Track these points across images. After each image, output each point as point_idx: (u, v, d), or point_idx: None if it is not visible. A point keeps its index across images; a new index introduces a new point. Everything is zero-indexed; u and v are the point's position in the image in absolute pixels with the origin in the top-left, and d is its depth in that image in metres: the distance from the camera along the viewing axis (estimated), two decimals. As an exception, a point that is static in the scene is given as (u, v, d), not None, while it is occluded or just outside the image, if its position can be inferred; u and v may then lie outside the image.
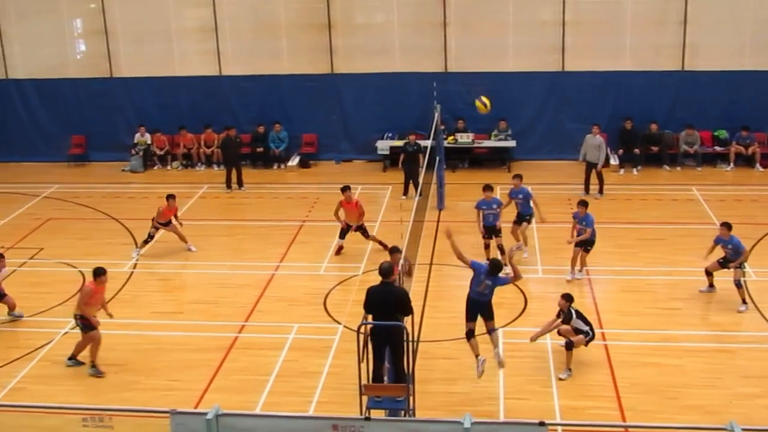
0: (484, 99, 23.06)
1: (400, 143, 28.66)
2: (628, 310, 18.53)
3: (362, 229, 21.87)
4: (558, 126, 29.18)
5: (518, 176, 21.46)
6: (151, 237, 22.07)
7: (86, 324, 16.53)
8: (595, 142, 25.42)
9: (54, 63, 30.79)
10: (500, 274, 15.23)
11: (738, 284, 18.40)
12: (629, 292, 19.56)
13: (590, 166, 25.53)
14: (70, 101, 30.75)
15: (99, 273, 16.74)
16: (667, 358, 16.48)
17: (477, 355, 15.43)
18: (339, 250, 21.90)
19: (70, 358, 16.74)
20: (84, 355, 16.67)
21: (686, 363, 16.29)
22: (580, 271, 19.96)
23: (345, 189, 21.77)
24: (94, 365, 16.53)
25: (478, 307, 15.42)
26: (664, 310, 18.37)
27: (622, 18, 28.42)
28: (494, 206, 20.64)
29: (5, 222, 24.84)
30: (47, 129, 31.00)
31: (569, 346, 15.89)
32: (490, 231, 20.69)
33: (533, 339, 16.49)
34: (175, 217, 22.44)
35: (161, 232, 22.26)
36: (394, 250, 16.95)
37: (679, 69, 28.31)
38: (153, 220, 22.17)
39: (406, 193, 25.47)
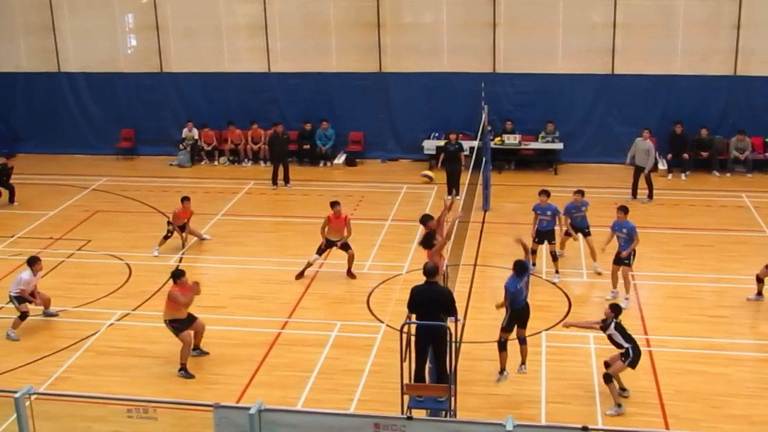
0: (427, 173, 23.66)
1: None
2: (674, 317, 18.35)
3: (346, 246, 20.52)
4: (606, 129, 28.93)
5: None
6: (170, 233, 22.22)
7: (177, 327, 16.49)
8: (644, 146, 25.14)
9: (105, 57, 31.13)
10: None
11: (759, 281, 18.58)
12: (675, 299, 19.35)
13: (638, 170, 25.29)
14: (121, 95, 31.08)
15: (178, 275, 16.77)
16: (712, 367, 16.29)
17: (504, 369, 15.69)
18: (305, 269, 20.49)
19: (180, 370, 16.41)
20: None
21: (732, 372, 16.09)
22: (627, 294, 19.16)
23: (334, 204, 20.47)
24: (183, 367, 16.37)
25: (524, 314, 15.57)
26: (711, 318, 18.17)
27: (674, 21, 28.11)
28: (548, 213, 20.48)
29: (55, 213, 25.15)
30: (97, 122, 31.37)
31: (607, 379, 15.17)
32: (542, 236, 20.51)
33: (566, 325, 16.42)
34: (187, 221, 22.44)
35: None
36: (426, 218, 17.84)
37: (732, 74, 27.94)
38: (168, 222, 22.27)
39: (450, 192, 25.42)
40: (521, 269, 15.59)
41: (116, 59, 31.21)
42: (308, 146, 29.52)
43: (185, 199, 22.37)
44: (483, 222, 23.50)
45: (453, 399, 12.77)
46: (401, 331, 12.45)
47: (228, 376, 16.19)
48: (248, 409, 10.24)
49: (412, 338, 13.10)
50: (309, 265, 20.43)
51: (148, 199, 26.15)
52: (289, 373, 16.29)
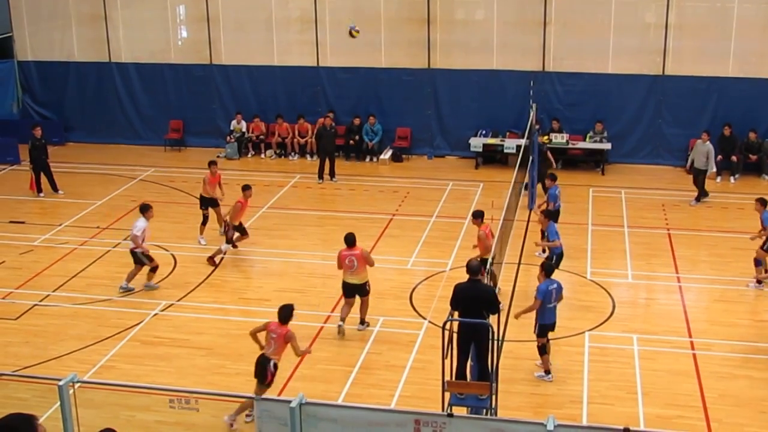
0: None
1: (494, 141, 28.61)
2: (720, 320, 18.16)
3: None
4: (656, 130, 28.68)
5: (552, 176, 21.95)
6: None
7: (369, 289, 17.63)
8: (704, 149, 24.88)
9: (156, 48, 31.41)
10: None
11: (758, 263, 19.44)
12: (722, 302, 19.15)
13: (698, 173, 25.02)
14: (170, 86, 31.36)
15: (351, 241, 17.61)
16: (758, 371, 16.11)
17: (548, 371, 15.84)
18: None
19: (361, 322, 17.73)
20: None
21: (778, 377, 15.92)
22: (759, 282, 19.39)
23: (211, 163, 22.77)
24: (363, 321, 17.67)
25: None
26: (758, 322, 17.97)
27: (727, 23, 27.75)
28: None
29: (103, 202, 25.42)
30: (147, 113, 31.68)
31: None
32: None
33: None
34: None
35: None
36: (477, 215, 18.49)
37: (785, 77, 27.61)
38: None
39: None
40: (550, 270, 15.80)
41: (167, 50, 31.47)
42: (354, 141, 29.57)
43: (212, 163, 22.95)
44: (528, 221, 23.39)
45: (494, 397, 12.74)
46: (443, 328, 12.44)
47: (270, 368, 16.25)
48: (289, 402, 10.29)
49: (455, 335, 13.09)
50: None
51: (195, 191, 26.20)
52: (331, 367, 16.35)
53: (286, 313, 14.47)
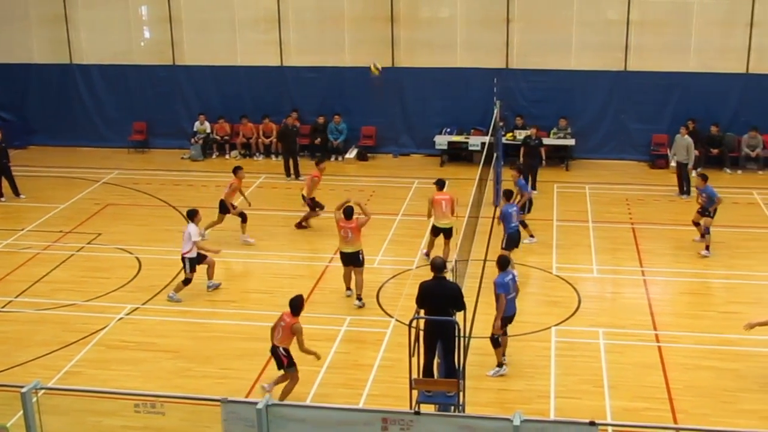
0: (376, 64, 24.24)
1: (459, 138, 28.67)
2: (685, 313, 18.33)
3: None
4: (620, 126, 28.89)
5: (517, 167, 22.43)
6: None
7: (363, 259, 18.64)
8: (684, 142, 25.16)
9: (119, 49, 31.17)
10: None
11: (707, 231, 20.74)
12: (686, 295, 19.35)
13: (681, 167, 25.25)
14: (134, 88, 31.15)
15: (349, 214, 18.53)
16: (722, 362, 16.26)
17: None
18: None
19: (358, 299, 18.65)
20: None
21: (743, 367, 16.04)
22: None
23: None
24: (359, 297, 18.63)
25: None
26: (722, 314, 18.12)
27: (688, 19, 28.00)
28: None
29: (66, 206, 25.20)
30: (110, 115, 31.43)
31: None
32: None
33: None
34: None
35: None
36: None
37: (744, 71, 27.84)
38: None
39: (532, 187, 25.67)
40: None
41: (129, 51, 31.26)
42: (320, 140, 29.52)
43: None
44: (494, 217, 23.41)
45: (462, 394, 12.75)
46: (410, 326, 12.45)
47: (238, 370, 16.20)
48: (256, 403, 10.25)
49: (421, 333, 13.09)
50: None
51: (159, 193, 26.20)
52: (299, 367, 16.22)
53: (295, 303, 15.22)
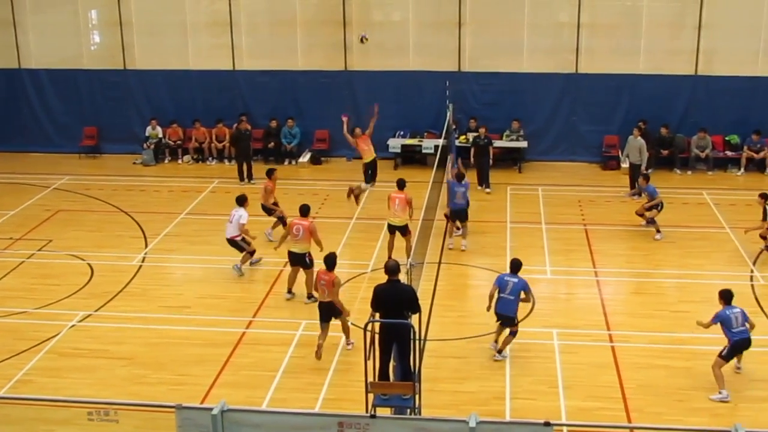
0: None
1: (412, 141, 28.72)
2: (637, 312, 18.52)
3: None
4: (571, 128, 29.11)
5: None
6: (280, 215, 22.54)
7: (312, 260, 18.60)
8: (636, 143, 25.41)
9: (68, 54, 30.81)
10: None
11: (651, 221, 22.22)
12: (638, 294, 19.55)
13: (633, 168, 25.48)
14: (84, 93, 30.78)
15: (306, 211, 19.01)
16: (675, 361, 16.46)
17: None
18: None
19: (309, 297, 18.88)
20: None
21: (695, 366, 16.24)
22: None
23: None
24: (311, 296, 18.70)
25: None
26: (674, 313, 18.33)
27: (637, 21, 28.30)
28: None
29: (15, 212, 24.88)
30: (60, 120, 31.05)
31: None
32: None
33: None
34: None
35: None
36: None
37: (693, 73, 28.20)
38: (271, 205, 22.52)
39: (481, 183, 25.70)
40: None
41: (79, 56, 30.90)
42: (273, 144, 29.43)
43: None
44: (448, 220, 23.52)
45: (418, 396, 12.79)
46: (365, 329, 12.46)
47: (193, 376, 16.10)
48: (211, 409, 10.19)
49: (377, 336, 13.11)
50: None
51: (111, 199, 25.95)
52: (255, 372, 16.25)
53: (331, 260, 16.59)
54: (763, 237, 21.05)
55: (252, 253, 20.57)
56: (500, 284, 16.42)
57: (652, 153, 27.40)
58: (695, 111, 28.36)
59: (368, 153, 24.19)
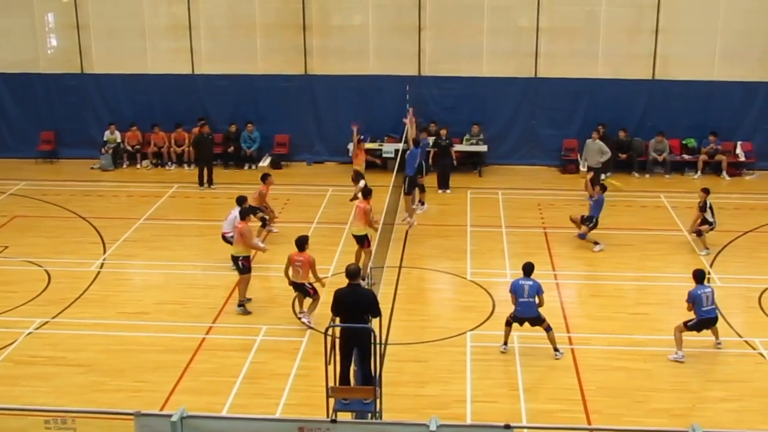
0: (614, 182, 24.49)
1: (373, 146, 28.72)
2: (597, 315, 18.63)
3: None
4: (531, 131, 29.29)
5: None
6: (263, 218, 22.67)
7: (246, 266, 18.48)
8: (594, 146, 25.56)
9: (25, 57, 30.49)
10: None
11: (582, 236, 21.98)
12: (597, 297, 19.66)
13: (592, 171, 25.60)
14: (40, 97, 30.46)
15: (246, 213, 19.06)
16: (634, 363, 16.58)
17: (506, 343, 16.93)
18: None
19: (239, 305, 18.56)
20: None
21: (653, 367, 16.39)
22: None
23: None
24: (242, 304, 18.50)
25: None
26: (632, 315, 18.48)
27: (596, 26, 28.56)
28: None
29: (-28, 218, 24.61)
30: (16, 124, 30.68)
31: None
32: None
33: None
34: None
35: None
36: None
37: (651, 78, 28.49)
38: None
39: (442, 187, 25.77)
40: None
41: (35, 60, 30.58)
42: (233, 149, 29.31)
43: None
44: (405, 220, 23.58)
45: (379, 401, 12.78)
46: (326, 334, 12.44)
47: (152, 383, 15.97)
48: (170, 416, 10.13)
49: (337, 341, 13.08)
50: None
51: (69, 204, 25.69)
52: (215, 378, 16.15)
53: (302, 241, 17.60)
54: (696, 232, 21.68)
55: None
56: (516, 289, 16.67)
57: (610, 156, 27.59)
58: (653, 115, 28.66)
59: (362, 162, 24.52)
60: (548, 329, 16.70)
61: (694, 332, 16.66)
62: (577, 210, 24.09)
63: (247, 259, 18.59)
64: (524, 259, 20.76)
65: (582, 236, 21.97)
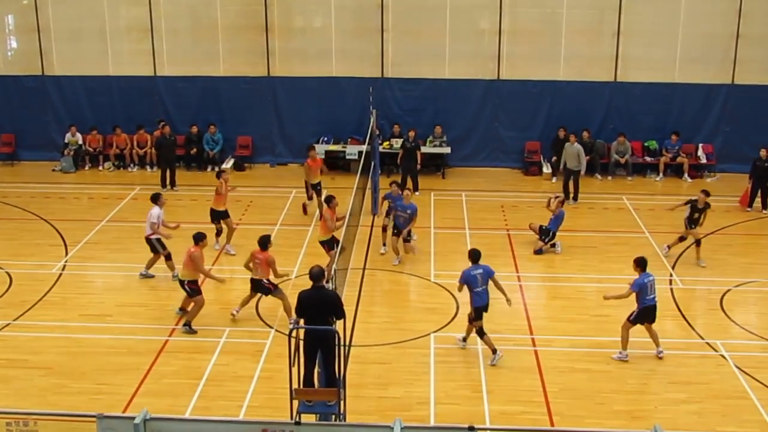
0: None
1: (336, 147, 28.72)
2: (559, 317, 18.74)
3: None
4: (493, 133, 29.43)
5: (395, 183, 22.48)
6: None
7: (194, 289, 17.84)
8: (573, 150, 25.64)
9: (-16, 60, 30.28)
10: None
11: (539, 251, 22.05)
12: (560, 299, 19.78)
13: (569, 174, 25.76)
14: (0, 99, 30.16)
15: (200, 238, 18.19)
16: (596, 364, 16.68)
17: (495, 349, 16.69)
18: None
19: (185, 324, 17.89)
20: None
21: (614, 369, 16.51)
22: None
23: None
24: (188, 324, 17.80)
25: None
26: (594, 317, 18.60)
27: (557, 28, 28.73)
28: (407, 211, 21.16)
29: (-70, 221, 24.31)
30: (-25, 127, 30.43)
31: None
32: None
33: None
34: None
35: None
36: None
37: (612, 80, 28.72)
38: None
39: (403, 189, 25.65)
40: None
41: (-5, 62, 30.40)
42: (195, 151, 29.19)
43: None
44: (372, 226, 23.61)
45: (342, 403, 12.78)
46: (290, 336, 12.41)
47: (114, 385, 15.86)
48: (133, 418, 10.07)
49: (301, 343, 13.06)
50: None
51: (30, 206, 25.45)
52: (178, 380, 16.07)
53: (264, 240, 17.94)
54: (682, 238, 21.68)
55: (168, 257, 20.26)
56: (470, 280, 16.62)
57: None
58: (614, 117, 28.92)
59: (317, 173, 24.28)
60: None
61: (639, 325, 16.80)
62: (538, 213, 24.24)
63: (194, 283, 17.89)
64: (487, 261, 20.79)
65: (539, 251, 21.99)
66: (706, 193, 21.38)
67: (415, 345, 17.26)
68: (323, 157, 28.54)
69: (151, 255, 20.35)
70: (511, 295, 19.35)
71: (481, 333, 16.67)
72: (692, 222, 21.38)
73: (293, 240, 22.64)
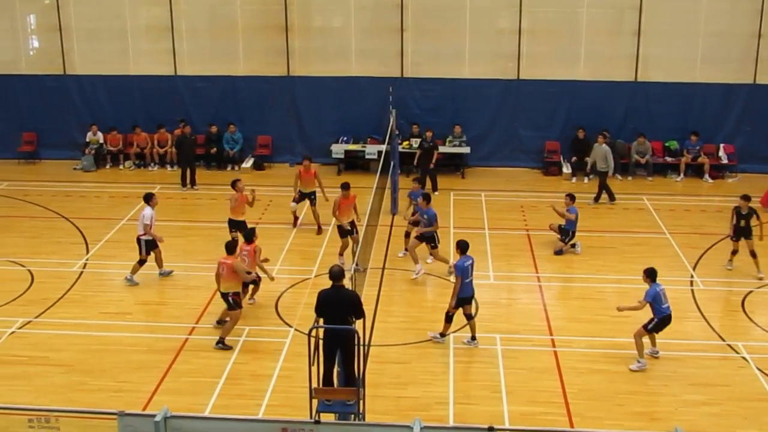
0: None
1: (355, 147, 28.75)
2: (578, 317, 18.68)
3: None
4: (512, 133, 29.38)
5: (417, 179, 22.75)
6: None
7: (237, 301, 17.29)
8: (601, 151, 25.61)
9: (6, 59, 30.41)
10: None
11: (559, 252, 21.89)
12: (579, 300, 19.71)
13: (601, 175, 25.80)
14: (22, 98, 30.36)
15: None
16: (615, 365, 16.62)
17: (445, 334, 17.25)
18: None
19: (218, 342, 17.20)
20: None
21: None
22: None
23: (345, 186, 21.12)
24: (222, 341, 17.15)
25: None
26: (613, 318, 18.49)
27: (577, 28, 28.67)
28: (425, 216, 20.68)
29: (-47, 219, 24.47)
30: (-3, 126, 30.61)
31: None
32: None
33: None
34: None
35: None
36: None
37: (632, 80, 28.61)
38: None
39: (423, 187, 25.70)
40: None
41: (17, 61, 30.51)
42: (215, 150, 29.28)
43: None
44: (391, 225, 23.62)
45: (361, 402, 12.79)
46: (309, 335, 12.44)
47: (134, 383, 15.92)
48: (154, 416, 10.11)
49: (321, 342, 13.08)
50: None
51: (51, 204, 25.61)
52: (197, 379, 16.12)
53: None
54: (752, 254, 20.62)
55: (141, 263, 20.14)
56: (465, 271, 16.90)
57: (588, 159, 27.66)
58: (634, 117, 28.80)
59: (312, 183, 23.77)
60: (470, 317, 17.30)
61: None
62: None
63: (237, 295, 17.34)
64: (507, 262, 20.94)
65: (559, 252, 21.92)
66: (747, 198, 20.55)
67: (434, 345, 17.25)
68: (342, 156, 28.69)
69: (155, 254, 20.40)
70: (531, 295, 19.46)
71: (449, 318, 17.07)
72: (739, 231, 20.57)
73: (313, 239, 22.69)
